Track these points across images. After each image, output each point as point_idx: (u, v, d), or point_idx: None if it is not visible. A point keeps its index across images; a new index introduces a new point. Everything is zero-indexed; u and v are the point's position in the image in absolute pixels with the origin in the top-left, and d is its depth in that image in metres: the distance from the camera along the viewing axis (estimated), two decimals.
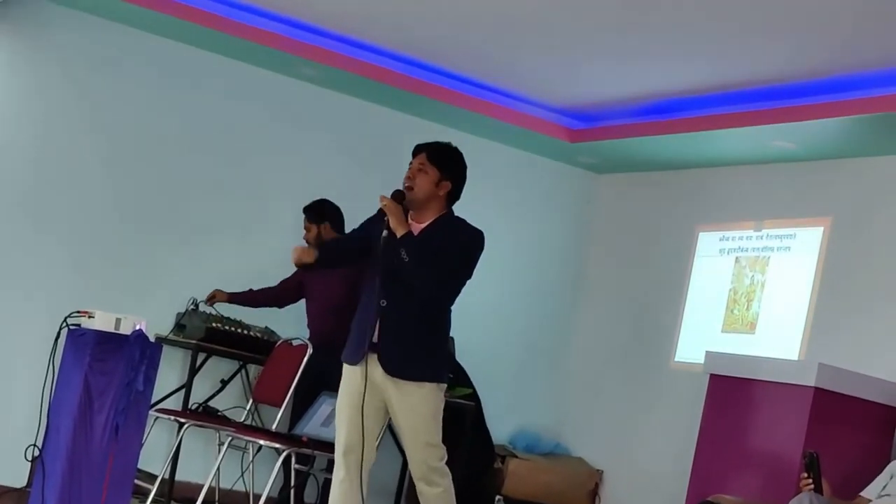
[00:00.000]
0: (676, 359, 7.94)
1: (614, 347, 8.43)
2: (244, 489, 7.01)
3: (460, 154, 5.30)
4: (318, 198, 7.31)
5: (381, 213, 5.13)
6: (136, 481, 5.84)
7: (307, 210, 7.26)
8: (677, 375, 7.83)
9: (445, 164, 5.22)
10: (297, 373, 6.66)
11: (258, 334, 7.26)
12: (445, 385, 5.25)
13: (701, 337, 7.74)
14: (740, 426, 6.33)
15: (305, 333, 7.13)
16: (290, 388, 6.66)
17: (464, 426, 7.38)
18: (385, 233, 5.06)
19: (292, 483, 6.67)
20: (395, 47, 7.31)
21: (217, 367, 7.42)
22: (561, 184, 8.76)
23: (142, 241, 7.40)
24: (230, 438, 6.46)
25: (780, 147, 7.20)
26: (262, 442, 6.25)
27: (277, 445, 6.13)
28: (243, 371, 7.49)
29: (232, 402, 7.31)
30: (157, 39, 7.39)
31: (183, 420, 6.66)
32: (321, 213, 7.22)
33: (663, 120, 7.52)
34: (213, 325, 7.07)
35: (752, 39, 6.11)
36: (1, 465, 6.66)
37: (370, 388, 5.14)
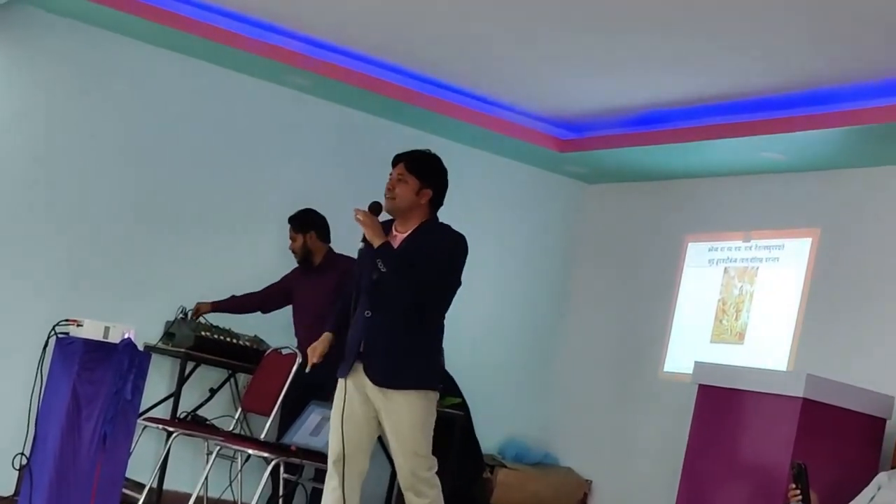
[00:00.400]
0: (665, 369, 7.95)
1: (603, 357, 8.43)
2: (232, 498, 6.99)
3: (439, 160, 5.30)
4: (306, 206, 7.30)
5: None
6: (124, 490, 5.83)
7: (292, 220, 7.24)
8: (666, 386, 7.84)
9: (424, 172, 5.23)
10: (286, 382, 6.65)
11: (247, 343, 7.25)
12: (436, 394, 5.24)
13: (690, 347, 7.75)
14: (729, 437, 6.33)
15: (294, 342, 7.13)
16: (278, 397, 6.65)
17: (453, 436, 7.38)
18: (362, 245, 5.09)
19: (281, 492, 6.66)
20: (384, 57, 7.32)
21: (206, 376, 7.41)
22: (549, 193, 8.77)
23: (131, 249, 7.39)
24: (219, 447, 6.45)
25: (769, 158, 7.22)
26: (250, 451, 6.24)
27: (266, 455, 6.12)
28: (232, 380, 7.48)
29: (221, 411, 7.30)
30: (148, 48, 7.39)
31: (171, 429, 6.65)
32: (306, 222, 7.21)
33: (652, 130, 7.53)
34: (202, 333, 7.06)
35: (740, 51, 6.12)
36: None
37: (363, 399, 5.16)
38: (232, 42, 7.11)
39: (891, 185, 6.83)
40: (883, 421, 6.17)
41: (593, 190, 8.88)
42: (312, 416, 6.34)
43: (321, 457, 5.44)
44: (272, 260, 7.53)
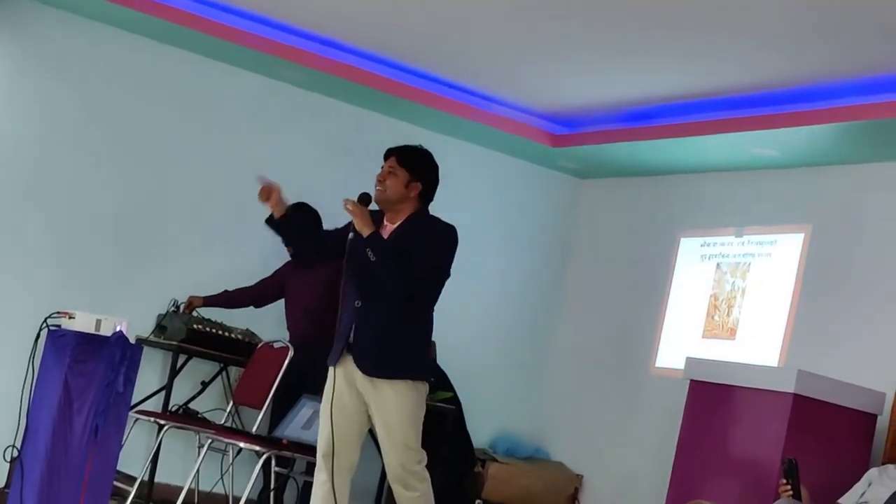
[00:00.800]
0: (657, 364, 7.95)
1: (595, 352, 8.44)
2: (224, 492, 6.99)
3: (430, 155, 5.34)
4: (297, 200, 7.28)
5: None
6: (116, 483, 5.83)
7: None
8: (657, 381, 7.85)
9: (415, 165, 5.27)
10: (277, 375, 6.65)
11: (239, 336, 7.25)
12: (425, 386, 5.25)
13: (681, 343, 7.76)
14: (720, 432, 6.34)
15: (286, 336, 7.13)
16: (270, 390, 6.65)
17: (444, 430, 7.39)
18: (351, 235, 5.10)
19: (272, 486, 6.66)
20: (377, 50, 7.31)
21: (198, 369, 7.40)
22: (542, 188, 8.78)
23: (123, 241, 7.38)
24: (210, 441, 6.45)
25: (762, 154, 7.22)
26: (242, 444, 6.24)
27: (257, 448, 6.12)
28: (224, 373, 7.48)
29: (212, 405, 7.29)
30: (141, 40, 7.38)
31: (163, 422, 6.65)
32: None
33: (645, 126, 7.54)
34: (194, 326, 7.06)
35: (734, 47, 6.13)
36: None
37: (353, 392, 5.16)
38: (225, 35, 7.10)
39: (883, 181, 6.85)
40: (874, 417, 6.19)
41: (586, 185, 8.88)
42: (304, 410, 6.34)
43: (313, 450, 5.43)
44: (265, 254, 7.51)
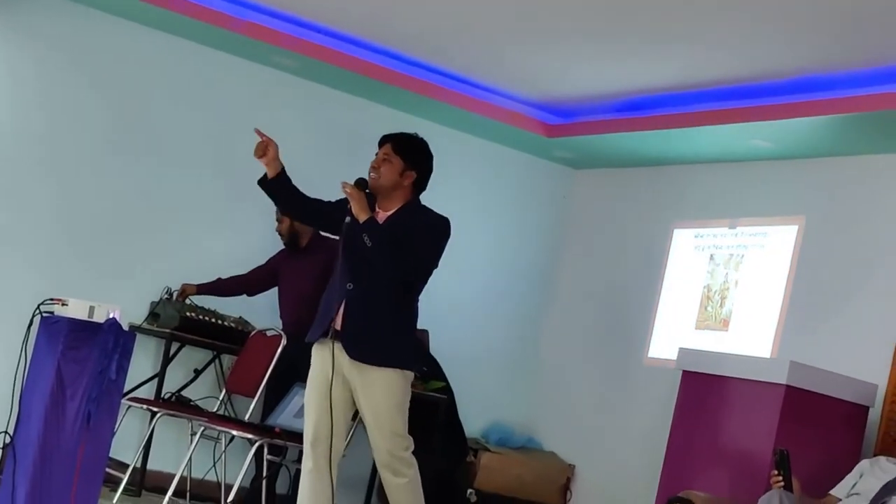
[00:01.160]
0: (650, 355, 7.96)
1: (588, 343, 8.44)
2: (216, 479, 6.99)
3: (425, 144, 5.35)
4: None
5: (346, 200, 5.16)
6: (108, 470, 5.82)
7: None
8: (650, 372, 7.85)
9: (410, 154, 5.27)
10: (270, 363, 6.65)
11: (232, 324, 7.24)
12: (412, 374, 5.26)
13: (674, 334, 7.77)
14: (712, 423, 6.35)
15: (279, 324, 7.12)
16: (263, 378, 6.65)
17: (437, 419, 7.39)
18: (348, 219, 5.10)
19: (264, 474, 6.66)
20: (372, 39, 7.31)
21: (190, 357, 7.40)
22: (536, 178, 8.77)
23: (116, 229, 7.37)
24: (202, 428, 6.45)
25: (756, 146, 7.23)
26: (234, 432, 6.25)
27: (250, 436, 6.13)
28: (217, 361, 7.48)
29: (205, 392, 7.30)
30: (135, 27, 7.36)
31: (155, 409, 6.66)
32: None
33: (640, 116, 7.53)
34: (188, 314, 7.05)
35: (729, 38, 6.13)
36: None
37: (338, 379, 5.16)
38: (219, 22, 7.09)
39: (877, 173, 6.85)
40: (865, 409, 6.19)
41: (581, 175, 8.88)
42: (297, 398, 6.34)
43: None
44: (258, 241, 7.51)
